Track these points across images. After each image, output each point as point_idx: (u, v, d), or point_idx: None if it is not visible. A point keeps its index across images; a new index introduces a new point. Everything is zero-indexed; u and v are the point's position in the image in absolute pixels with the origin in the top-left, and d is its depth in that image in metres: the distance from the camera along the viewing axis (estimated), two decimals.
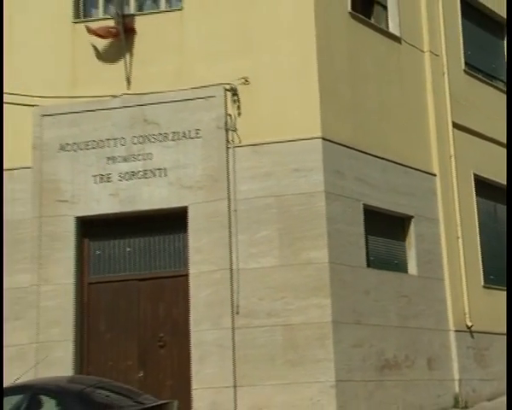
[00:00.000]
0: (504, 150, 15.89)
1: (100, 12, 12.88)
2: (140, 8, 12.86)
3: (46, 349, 11.46)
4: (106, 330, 11.95)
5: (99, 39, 12.31)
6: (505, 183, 15.90)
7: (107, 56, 12.39)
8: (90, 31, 12.10)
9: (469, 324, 13.75)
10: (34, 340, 11.62)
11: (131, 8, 12.72)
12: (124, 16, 12.15)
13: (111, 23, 12.24)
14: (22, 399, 8.93)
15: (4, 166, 12.17)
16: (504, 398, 13.14)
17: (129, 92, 12.26)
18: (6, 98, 12.25)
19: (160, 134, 12.01)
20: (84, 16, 12.87)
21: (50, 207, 12.01)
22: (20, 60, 12.56)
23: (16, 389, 9.32)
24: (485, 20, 16.86)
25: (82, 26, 12.48)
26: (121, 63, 12.30)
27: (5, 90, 12.28)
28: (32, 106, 12.26)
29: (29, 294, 11.78)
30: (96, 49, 12.42)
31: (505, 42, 17.40)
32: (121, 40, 12.13)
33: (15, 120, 12.24)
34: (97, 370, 11.60)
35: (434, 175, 13.94)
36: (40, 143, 12.19)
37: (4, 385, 9.89)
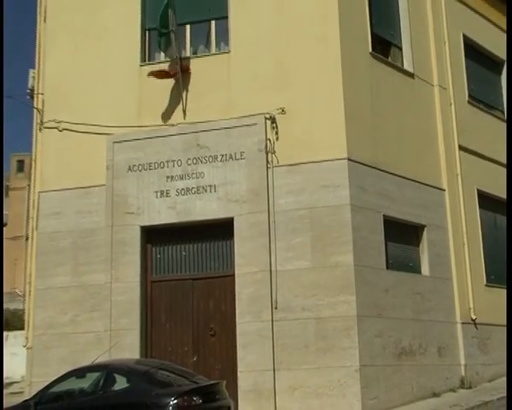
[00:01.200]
0: (503, 169, 15.64)
1: (162, 56, 12.88)
2: (194, 51, 12.90)
3: (117, 336, 11.52)
4: (166, 321, 11.94)
5: (160, 80, 12.29)
6: (504, 196, 15.63)
7: (166, 92, 12.38)
8: (151, 74, 12.15)
9: (473, 317, 13.53)
10: (108, 328, 11.68)
11: (188, 52, 12.79)
12: (181, 59, 12.19)
13: (168, 66, 12.34)
14: (100, 375, 9.26)
15: (83, 185, 12.31)
16: (502, 379, 13.09)
17: (184, 122, 12.26)
18: (85, 129, 12.36)
19: (211, 156, 11.96)
20: (149, 60, 12.93)
21: (120, 218, 12.06)
22: (96, 96, 12.68)
23: (95, 368, 9.68)
24: (485, 60, 16.64)
25: (148, 69, 12.56)
26: (178, 98, 12.30)
27: (84, 121, 12.39)
28: (106, 134, 12.33)
29: (104, 290, 11.84)
30: (158, 87, 12.40)
31: (502, 77, 17.19)
32: (178, 78, 12.16)
33: (92, 146, 12.35)
34: (159, 354, 11.61)
35: (443, 190, 13.71)
36: (112, 164, 12.26)
37: (85, 364, 10.11)
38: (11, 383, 23.46)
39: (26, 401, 9.67)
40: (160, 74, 12.17)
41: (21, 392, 14.44)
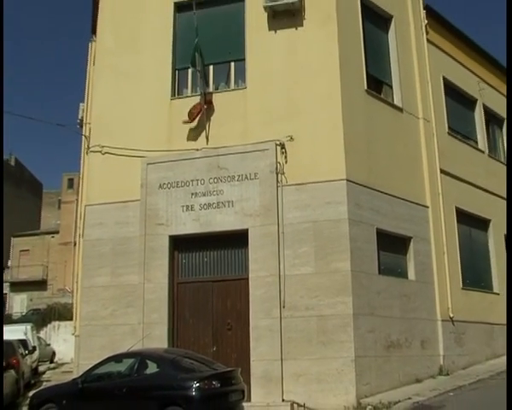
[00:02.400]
0: (477, 190, 15.49)
1: (189, 91, 12.71)
2: (216, 87, 12.64)
3: (149, 328, 11.36)
4: (189, 316, 11.70)
5: (187, 111, 12.02)
6: (478, 213, 15.54)
7: (192, 122, 12.09)
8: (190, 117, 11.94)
9: (451, 315, 13.26)
10: (141, 321, 11.48)
11: (211, 88, 12.51)
12: (205, 94, 11.99)
13: (196, 103, 12.02)
14: (134, 361, 9.47)
15: (121, 199, 12.10)
16: (474, 367, 13.18)
17: (207, 147, 12.03)
18: (123, 152, 12.16)
19: (229, 176, 11.74)
20: (178, 95, 12.71)
21: (152, 228, 11.86)
22: (133, 125, 12.49)
23: (130, 355, 9.87)
24: (461, 98, 16.39)
25: (177, 102, 12.46)
26: (202, 126, 12.10)
27: (123, 146, 12.16)
28: (141, 157, 12.12)
29: (137, 289, 11.64)
30: (185, 117, 12.12)
31: (475, 113, 16.94)
32: (203, 110, 11.92)
33: (129, 167, 12.13)
34: (184, 344, 11.39)
35: (427, 207, 13.40)
36: (145, 183, 12.07)
37: (122, 351, 10.24)
38: (63, 364, 23.77)
39: (75, 379, 9.94)
40: (191, 117, 11.91)
41: (71, 371, 14.71)
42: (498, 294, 15.39)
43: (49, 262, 44.90)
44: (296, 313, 10.86)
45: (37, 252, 45.68)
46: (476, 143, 16.49)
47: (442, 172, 13.95)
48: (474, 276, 14.76)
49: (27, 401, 10.88)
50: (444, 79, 15.19)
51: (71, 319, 18.52)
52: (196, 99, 12.06)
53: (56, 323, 29.32)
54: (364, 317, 10.95)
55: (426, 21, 14.53)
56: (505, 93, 17.74)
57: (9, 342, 15.14)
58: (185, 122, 11.93)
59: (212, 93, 12.20)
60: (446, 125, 14.91)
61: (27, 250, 46.33)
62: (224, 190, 11.65)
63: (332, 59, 11.76)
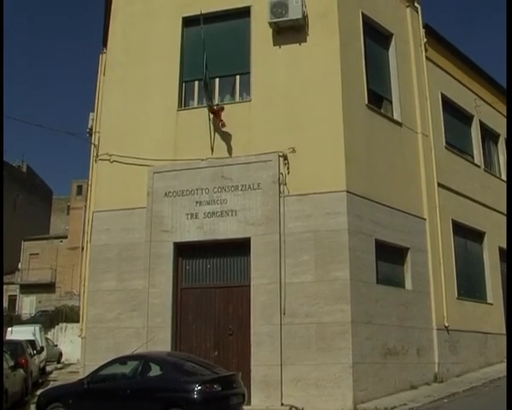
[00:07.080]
0: (472, 203, 15.41)
1: (195, 103, 12.69)
2: (222, 100, 12.57)
3: (153, 332, 11.30)
4: (192, 321, 11.62)
5: (193, 123, 12.15)
6: (473, 226, 15.44)
7: (198, 133, 12.12)
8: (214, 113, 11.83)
9: (446, 324, 13.16)
10: (145, 325, 11.42)
11: (216, 100, 12.43)
12: (210, 106, 11.87)
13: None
14: (138, 363, 9.44)
15: (128, 207, 12.05)
16: (468, 375, 13.08)
17: (212, 157, 11.98)
18: (131, 161, 12.12)
19: (233, 186, 11.69)
20: (184, 106, 12.68)
21: (157, 235, 11.82)
22: (141, 135, 12.44)
23: (134, 357, 9.81)
24: (458, 114, 16.34)
25: (183, 113, 12.44)
26: (207, 137, 12.04)
27: (130, 155, 12.13)
28: (147, 166, 12.09)
29: (142, 294, 11.59)
30: (191, 128, 12.22)
31: (471, 128, 16.88)
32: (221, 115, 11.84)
33: (136, 175, 12.09)
34: (186, 348, 11.31)
35: (425, 219, 13.31)
36: (152, 191, 12.03)
37: (126, 354, 10.14)
38: (69, 364, 23.80)
39: (81, 379, 9.92)
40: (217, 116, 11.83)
41: (77, 372, 14.78)
42: (492, 304, 15.32)
43: (57, 266, 44.90)
44: (296, 319, 10.77)
45: (46, 256, 45.70)
46: (472, 157, 16.43)
47: (439, 185, 13.90)
48: (469, 286, 14.65)
49: (35, 400, 10.91)
50: (442, 95, 15.17)
51: (77, 322, 18.49)
52: (203, 110, 12.04)
53: (63, 324, 29.30)
54: (362, 325, 10.85)
55: (425, 40, 14.53)
56: (500, 110, 17.76)
57: (19, 343, 15.17)
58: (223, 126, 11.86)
59: (217, 105, 12.05)
60: (444, 140, 14.86)
61: (37, 254, 46.37)
62: (227, 199, 11.60)
63: (334, 74, 11.72)
